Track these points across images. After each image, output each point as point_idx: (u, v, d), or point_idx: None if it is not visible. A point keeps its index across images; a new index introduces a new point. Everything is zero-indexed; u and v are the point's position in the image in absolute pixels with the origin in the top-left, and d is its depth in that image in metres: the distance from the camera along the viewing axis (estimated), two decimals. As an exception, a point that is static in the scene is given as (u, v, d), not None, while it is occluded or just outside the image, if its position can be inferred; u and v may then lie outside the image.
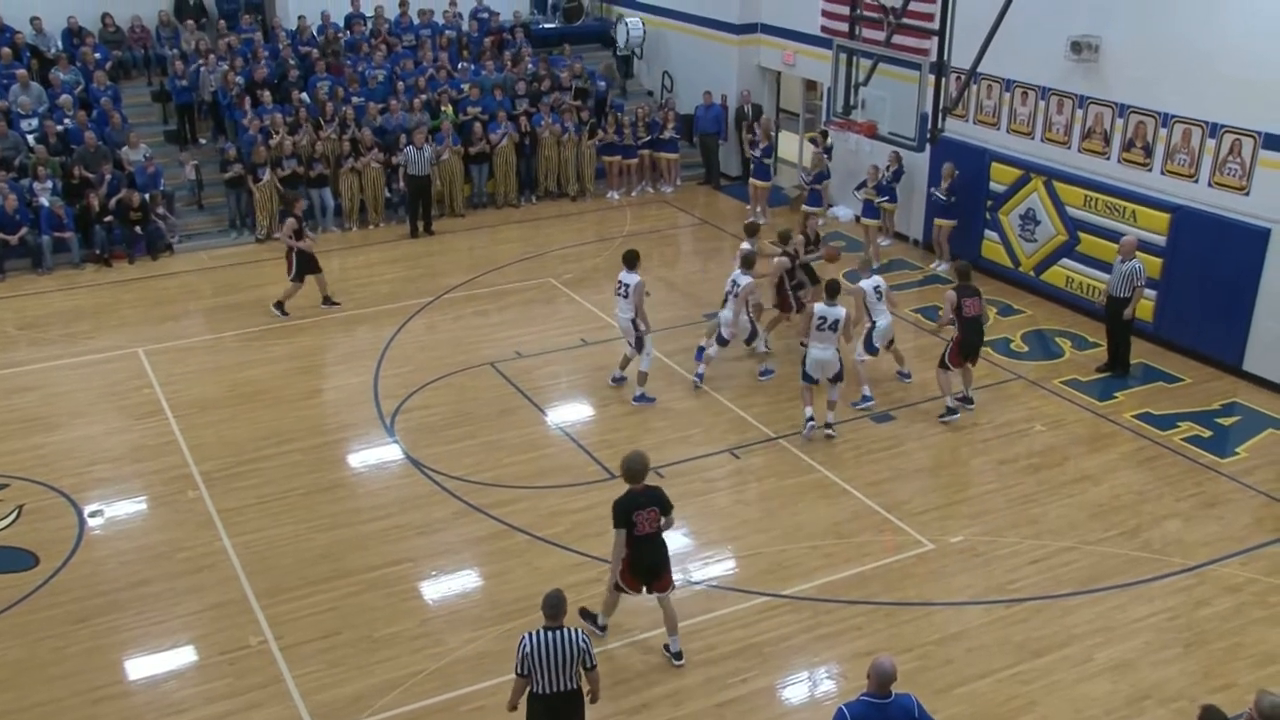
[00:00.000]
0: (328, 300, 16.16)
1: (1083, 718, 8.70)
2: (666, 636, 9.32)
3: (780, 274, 14.39)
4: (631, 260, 13.08)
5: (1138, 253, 13.87)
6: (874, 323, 13.25)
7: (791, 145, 21.76)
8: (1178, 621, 9.77)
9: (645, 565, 9.03)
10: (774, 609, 9.93)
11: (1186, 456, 12.40)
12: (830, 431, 12.69)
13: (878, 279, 13.43)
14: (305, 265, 15.77)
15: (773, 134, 19.79)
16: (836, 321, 12.20)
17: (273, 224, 18.82)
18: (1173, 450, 12.52)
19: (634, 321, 13.10)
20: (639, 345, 13.23)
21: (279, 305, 15.88)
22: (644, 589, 9.13)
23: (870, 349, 13.42)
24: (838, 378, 12.53)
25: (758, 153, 19.61)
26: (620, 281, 13.08)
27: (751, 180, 20.00)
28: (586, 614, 9.60)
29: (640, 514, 8.84)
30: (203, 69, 20.03)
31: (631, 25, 23.27)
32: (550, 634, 7.38)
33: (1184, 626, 9.71)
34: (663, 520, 8.96)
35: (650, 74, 23.82)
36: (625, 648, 9.44)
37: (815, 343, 12.30)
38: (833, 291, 12.39)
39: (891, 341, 13.74)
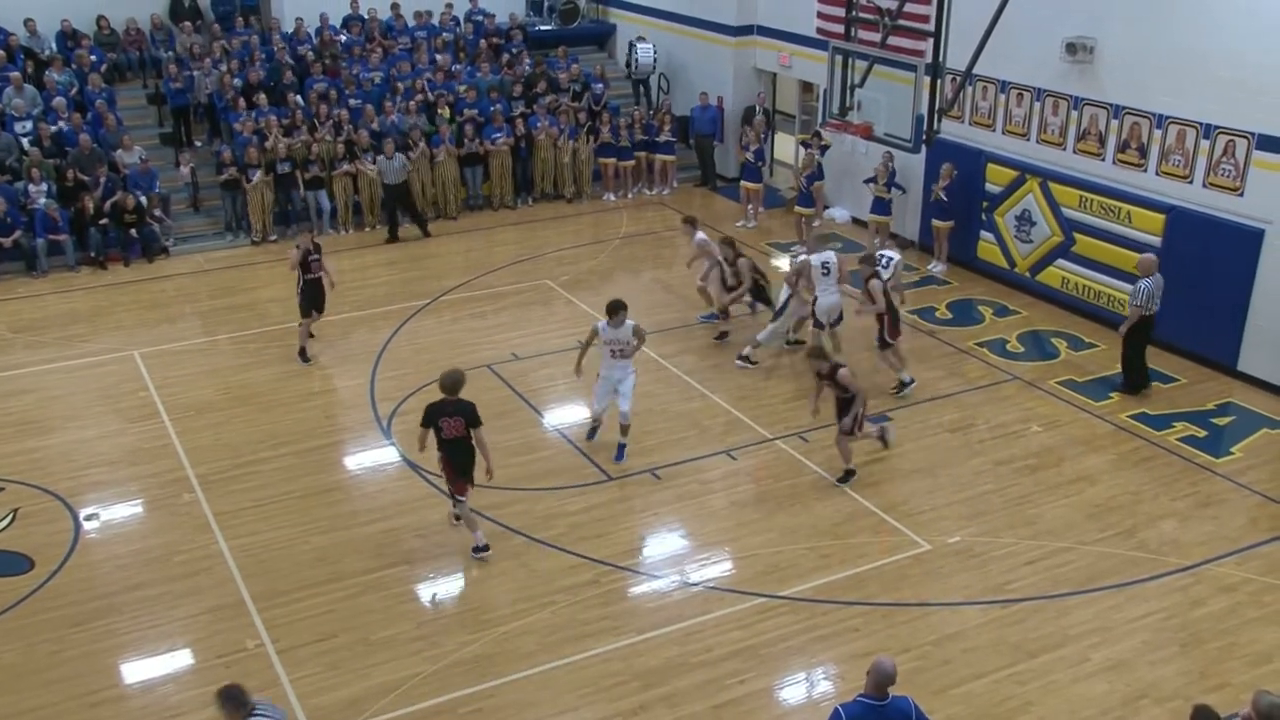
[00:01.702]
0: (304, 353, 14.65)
1: (1079, 718, 8.71)
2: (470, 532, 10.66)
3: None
4: (619, 309, 11.98)
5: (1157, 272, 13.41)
6: (815, 298, 13.82)
7: (788, 147, 21.77)
8: (1173, 621, 9.79)
9: (454, 464, 10.39)
10: (771, 610, 9.94)
11: (1182, 456, 12.42)
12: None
13: (829, 255, 13.83)
14: (312, 299, 14.51)
15: (763, 136, 19.77)
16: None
17: (267, 227, 18.83)
18: (1168, 450, 12.54)
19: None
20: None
21: (301, 353, 14.65)
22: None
23: (816, 323, 13.96)
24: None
25: (750, 155, 19.63)
26: (618, 341, 12.03)
27: (743, 182, 20.02)
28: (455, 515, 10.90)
29: (446, 420, 10.24)
30: (198, 72, 20.02)
31: (641, 52, 22.74)
32: None
33: (1180, 626, 9.73)
34: (472, 432, 10.26)
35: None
36: (622, 649, 9.44)
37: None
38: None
39: (838, 320, 14.04)
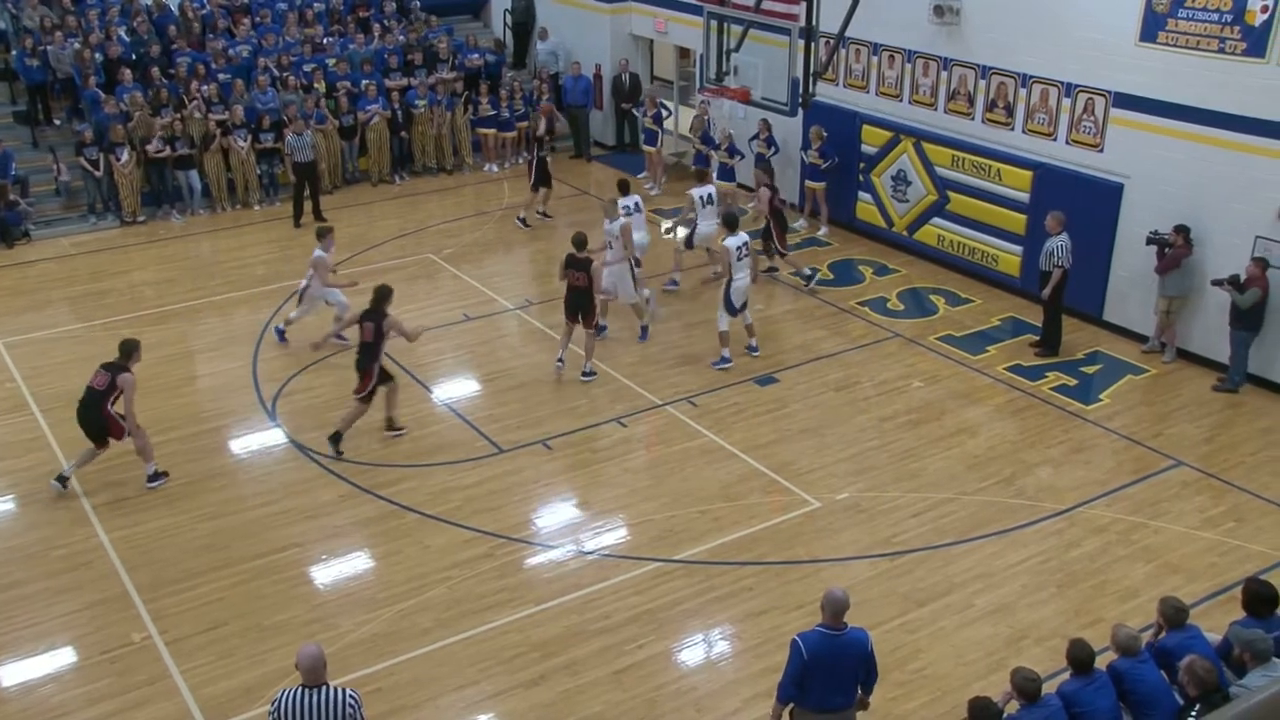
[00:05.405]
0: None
1: (965, 661, 9.05)
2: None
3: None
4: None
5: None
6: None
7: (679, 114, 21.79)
8: (1050, 564, 10.21)
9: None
10: (666, 574, 10.06)
11: (1055, 405, 12.91)
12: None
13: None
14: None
15: (660, 103, 19.91)
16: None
17: (136, 208, 18.13)
18: (1042, 400, 13.02)
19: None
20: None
21: None
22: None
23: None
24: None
25: (649, 120, 19.65)
26: None
27: (644, 147, 20.11)
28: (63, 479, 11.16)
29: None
30: (52, 47, 19.11)
31: (542, 52, 22.07)
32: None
33: (1056, 568, 10.15)
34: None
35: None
36: (520, 621, 9.46)
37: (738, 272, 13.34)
38: (731, 223, 13.48)
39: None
